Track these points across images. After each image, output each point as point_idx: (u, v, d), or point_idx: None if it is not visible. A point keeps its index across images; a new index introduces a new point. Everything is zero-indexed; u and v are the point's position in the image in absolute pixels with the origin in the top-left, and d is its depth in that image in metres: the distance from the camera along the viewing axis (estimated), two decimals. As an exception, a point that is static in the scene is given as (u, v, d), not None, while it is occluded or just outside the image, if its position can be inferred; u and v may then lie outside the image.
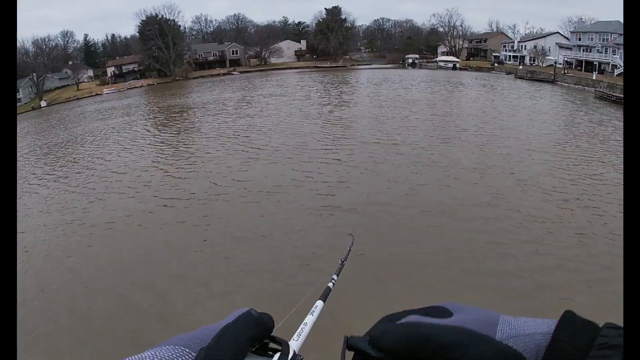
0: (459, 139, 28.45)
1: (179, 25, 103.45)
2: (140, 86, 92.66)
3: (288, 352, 0.73)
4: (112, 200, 21.20)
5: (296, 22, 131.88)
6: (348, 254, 2.59)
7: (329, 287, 1.84)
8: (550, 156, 24.16)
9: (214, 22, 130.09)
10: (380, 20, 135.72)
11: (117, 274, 13.77)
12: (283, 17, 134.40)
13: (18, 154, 35.89)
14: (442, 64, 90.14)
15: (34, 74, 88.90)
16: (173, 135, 36.37)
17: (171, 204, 19.75)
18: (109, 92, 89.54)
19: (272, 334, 0.76)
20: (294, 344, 1.02)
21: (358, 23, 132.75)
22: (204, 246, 15.23)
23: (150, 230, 17.06)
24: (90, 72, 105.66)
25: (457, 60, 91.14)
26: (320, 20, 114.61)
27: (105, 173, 26.43)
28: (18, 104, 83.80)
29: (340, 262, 2.40)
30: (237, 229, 16.36)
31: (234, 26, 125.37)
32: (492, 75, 73.10)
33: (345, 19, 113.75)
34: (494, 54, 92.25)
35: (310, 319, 1.30)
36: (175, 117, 46.13)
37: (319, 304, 1.53)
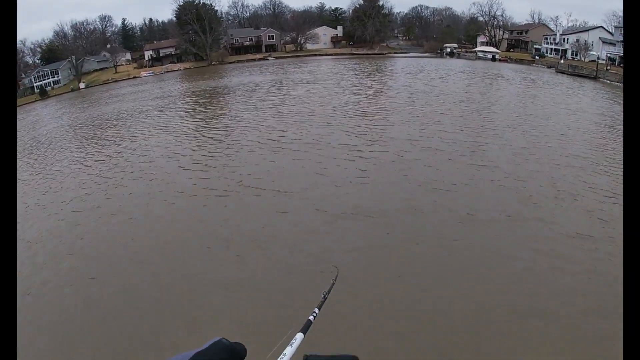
0: (496, 137, 26.86)
1: (216, 10, 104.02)
2: (177, 70, 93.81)
3: None
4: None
5: (333, 8, 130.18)
6: (331, 288, 2.54)
7: (310, 320, 1.82)
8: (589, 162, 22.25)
9: (250, 7, 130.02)
10: (419, 8, 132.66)
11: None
12: (320, 2, 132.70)
13: (60, 132, 37.34)
14: (481, 54, 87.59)
15: (73, 56, 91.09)
16: (198, 120, 36.92)
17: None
18: (146, 74, 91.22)
19: None
20: None
21: (396, 10, 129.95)
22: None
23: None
24: (128, 56, 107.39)
25: (497, 51, 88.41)
26: (358, 6, 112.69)
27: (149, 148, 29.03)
28: (57, 85, 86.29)
29: (322, 295, 2.36)
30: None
31: (270, 11, 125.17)
32: (532, 69, 70.52)
33: (382, 6, 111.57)
34: (534, 47, 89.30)
35: (289, 351, 1.30)
36: (205, 101, 46.75)
37: (299, 336, 1.54)
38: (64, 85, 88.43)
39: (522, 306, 11.05)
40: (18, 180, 26.29)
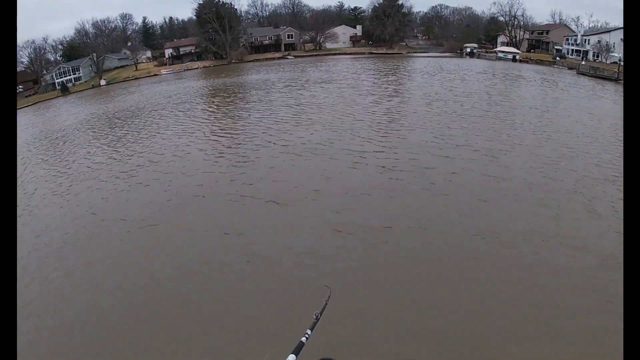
0: (515, 144, 25.51)
1: (235, 9, 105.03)
2: (197, 68, 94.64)
3: None
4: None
5: (352, 7, 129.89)
6: (324, 309, 2.53)
7: (302, 341, 1.90)
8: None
9: (269, 6, 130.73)
10: (439, 7, 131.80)
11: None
12: (339, 1, 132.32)
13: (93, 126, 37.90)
14: (501, 54, 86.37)
15: (94, 54, 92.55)
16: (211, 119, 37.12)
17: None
18: (166, 72, 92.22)
19: None
20: None
21: (415, 9, 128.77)
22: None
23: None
24: (149, 53, 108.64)
25: (517, 51, 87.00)
26: (377, 5, 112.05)
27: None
28: (78, 82, 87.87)
29: (315, 316, 2.36)
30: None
31: (290, 10, 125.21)
32: (553, 70, 69.06)
33: (402, 5, 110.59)
34: (555, 47, 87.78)
35: None
36: (222, 99, 47.01)
37: (291, 358, 1.61)
38: (85, 82, 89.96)
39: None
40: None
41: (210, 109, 43.35)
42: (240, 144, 28.36)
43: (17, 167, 29.55)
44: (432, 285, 12.21)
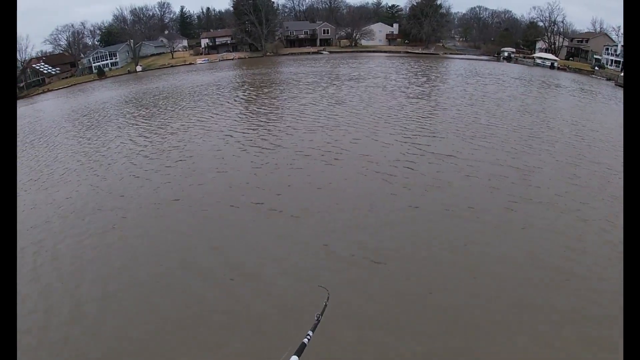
0: (551, 161, 23.10)
1: (272, 2, 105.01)
2: (232, 59, 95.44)
3: None
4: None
5: (389, 4, 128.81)
6: (324, 309, 2.56)
7: (304, 342, 1.89)
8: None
9: (306, 0, 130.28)
10: (477, 9, 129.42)
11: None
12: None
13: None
14: (539, 61, 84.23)
15: (131, 40, 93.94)
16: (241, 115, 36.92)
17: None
18: (201, 62, 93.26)
19: None
20: None
21: (454, 10, 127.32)
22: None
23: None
24: (185, 42, 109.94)
25: (556, 58, 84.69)
26: (415, 4, 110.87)
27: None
28: (115, 67, 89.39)
29: (316, 317, 2.38)
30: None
31: (327, 5, 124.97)
32: (591, 80, 66.15)
33: (440, 5, 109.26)
34: (594, 56, 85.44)
35: None
36: (254, 92, 46.89)
37: (294, 359, 1.62)
38: (122, 67, 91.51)
39: None
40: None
41: (241, 100, 43.38)
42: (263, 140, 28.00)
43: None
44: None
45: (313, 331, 2.15)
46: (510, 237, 15.09)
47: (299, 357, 1.70)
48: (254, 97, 45.18)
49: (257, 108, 38.81)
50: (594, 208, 17.30)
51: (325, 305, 2.68)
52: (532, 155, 23.99)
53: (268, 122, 32.44)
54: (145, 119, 37.31)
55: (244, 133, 29.71)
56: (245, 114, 36.61)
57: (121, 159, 25.94)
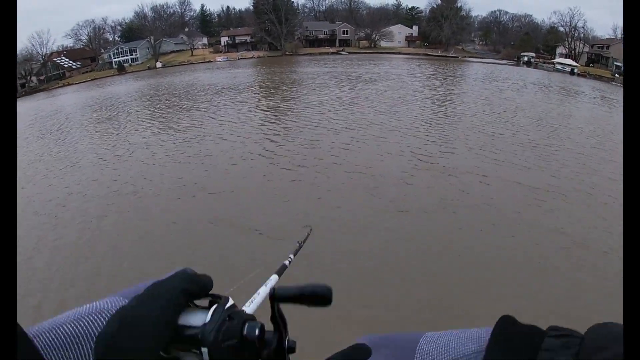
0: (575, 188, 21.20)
1: (292, 2, 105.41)
2: (251, 57, 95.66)
3: (226, 303, 0.74)
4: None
5: (409, 6, 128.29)
6: (306, 239, 2.50)
7: (284, 264, 1.86)
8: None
9: (326, 0, 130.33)
10: (498, 13, 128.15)
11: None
12: (396, 0, 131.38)
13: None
14: (559, 66, 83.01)
15: (152, 37, 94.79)
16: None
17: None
18: (221, 60, 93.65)
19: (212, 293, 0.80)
20: (246, 309, 1.05)
21: (474, 13, 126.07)
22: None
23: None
24: (205, 40, 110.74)
25: (576, 64, 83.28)
26: (435, 6, 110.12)
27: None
28: (135, 62, 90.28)
29: (297, 243, 2.34)
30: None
31: (346, 6, 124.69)
32: (612, 87, 63.90)
33: (460, 8, 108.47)
34: (615, 63, 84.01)
35: (263, 290, 1.29)
36: (271, 92, 46.93)
37: (274, 277, 1.55)
38: (142, 63, 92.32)
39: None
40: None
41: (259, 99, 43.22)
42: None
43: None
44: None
45: (294, 255, 2.09)
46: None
47: (279, 276, 1.54)
48: (274, 95, 45.26)
49: (277, 104, 38.92)
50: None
51: (307, 235, 2.56)
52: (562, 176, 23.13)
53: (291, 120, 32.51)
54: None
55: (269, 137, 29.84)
56: (267, 112, 36.56)
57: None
